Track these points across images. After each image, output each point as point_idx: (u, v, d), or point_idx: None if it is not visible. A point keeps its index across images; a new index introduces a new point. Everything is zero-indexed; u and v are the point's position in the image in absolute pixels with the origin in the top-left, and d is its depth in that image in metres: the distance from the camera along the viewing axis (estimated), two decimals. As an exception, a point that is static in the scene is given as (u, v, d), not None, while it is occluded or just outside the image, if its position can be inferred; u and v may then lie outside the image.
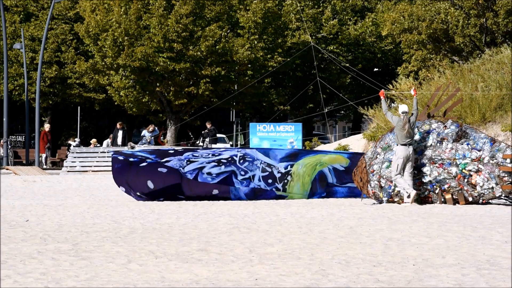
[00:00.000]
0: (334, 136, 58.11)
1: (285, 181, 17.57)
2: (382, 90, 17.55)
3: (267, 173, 17.50)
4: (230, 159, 17.37)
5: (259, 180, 17.43)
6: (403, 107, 16.43)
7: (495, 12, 34.41)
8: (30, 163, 38.52)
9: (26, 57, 42.03)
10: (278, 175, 17.54)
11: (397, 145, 16.12)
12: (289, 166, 17.61)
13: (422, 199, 16.23)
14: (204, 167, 17.17)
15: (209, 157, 17.27)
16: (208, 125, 36.73)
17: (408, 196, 15.88)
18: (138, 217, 13.32)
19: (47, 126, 40.86)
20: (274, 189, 17.51)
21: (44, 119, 48.27)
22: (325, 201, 16.90)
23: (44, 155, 39.30)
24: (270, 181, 17.49)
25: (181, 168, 17.01)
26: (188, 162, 17.13)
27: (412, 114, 16.42)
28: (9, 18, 45.87)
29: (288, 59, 40.17)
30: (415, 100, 16.67)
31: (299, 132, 31.14)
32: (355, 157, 18.14)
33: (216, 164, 17.27)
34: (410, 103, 29.18)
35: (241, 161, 17.42)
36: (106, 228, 11.58)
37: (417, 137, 16.46)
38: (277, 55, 41.01)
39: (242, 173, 17.36)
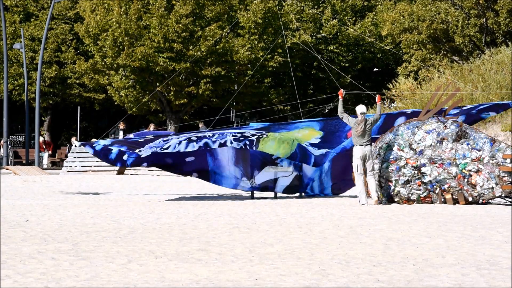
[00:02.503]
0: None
1: (258, 139, 17.70)
2: (341, 90, 17.27)
3: (239, 135, 17.78)
4: (201, 136, 17.91)
5: (231, 142, 17.65)
6: (360, 108, 16.46)
7: (496, 12, 34.40)
8: (30, 163, 38.51)
9: (26, 57, 42.00)
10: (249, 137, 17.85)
11: (355, 146, 16.18)
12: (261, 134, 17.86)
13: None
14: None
15: (179, 139, 17.86)
16: (200, 125, 36.67)
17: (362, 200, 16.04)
18: (138, 217, 13.31)
19: (46, 135, 40.89)
20: (247, 141, 17.63)
21: (44, 119, 48.26)
22: (325, 201, 16.90)
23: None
24: (241, 138, 17.67)
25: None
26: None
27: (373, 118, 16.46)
28: (9, 18, 45.85)
29: (289, 59, 40.12)
30: (379, 106, 16.77)
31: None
32: (327, 124, 18.27)
33: (188, 141, 17.78)
34: (409, 103, 29.18)
35: (212, 136, 17.90)
36: (106, 228, 11.58)
37: (417, 137, 16.45)
38: (277, 55, 40.99)
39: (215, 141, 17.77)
